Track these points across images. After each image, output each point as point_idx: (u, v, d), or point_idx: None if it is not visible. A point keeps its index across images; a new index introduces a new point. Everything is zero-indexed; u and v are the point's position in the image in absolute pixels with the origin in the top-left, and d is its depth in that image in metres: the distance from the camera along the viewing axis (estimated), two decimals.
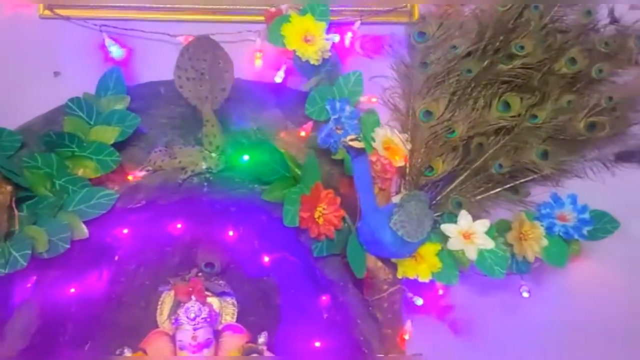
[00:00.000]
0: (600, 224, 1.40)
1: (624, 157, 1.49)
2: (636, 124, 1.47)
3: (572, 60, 1.42)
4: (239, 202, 1.33)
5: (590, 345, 1.50)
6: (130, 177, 1.29)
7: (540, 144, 1.44)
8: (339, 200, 1.31)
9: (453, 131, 1.42)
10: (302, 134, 1.38)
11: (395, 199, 1.38)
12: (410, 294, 1.40)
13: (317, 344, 1.35)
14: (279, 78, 1.39)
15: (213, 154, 1.31)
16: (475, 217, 1.39)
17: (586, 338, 1.50)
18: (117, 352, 1.29)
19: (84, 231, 1.23)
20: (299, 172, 1.32)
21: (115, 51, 1.33)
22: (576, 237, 1.38)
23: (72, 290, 1.28)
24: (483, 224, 1.38)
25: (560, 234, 1.39)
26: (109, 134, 1.27)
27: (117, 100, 1.30)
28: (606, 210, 1.41)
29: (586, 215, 1.38)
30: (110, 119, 1.29)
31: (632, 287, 1.51)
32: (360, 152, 1.24)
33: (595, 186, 1.47)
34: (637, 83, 1.43)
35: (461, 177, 1.45)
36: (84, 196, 1.24)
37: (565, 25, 1.44)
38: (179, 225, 1.36)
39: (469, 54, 1.40)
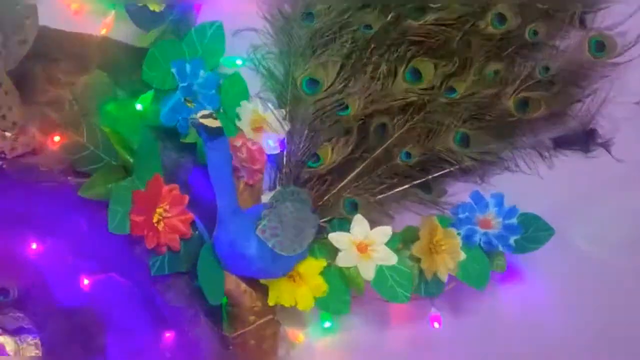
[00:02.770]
0: (531, 232, 1.52)
1: (564, 144, 1.63)
2: (579, 102, 1.61)
3: (500, 18, 1.53)
4: (45, 200, 1.36)
5: None
6: None
7: (460, 127, 1.55)
8: (187, 198, 1.36)
9: (346, 107, 1.50)
10: (138, 107, 1.42)
11: (266, 198, 1.45)
12: (286, 327, 1.49)
13: None
14: (105, 29, 1.43)
15: (7, 133, 1.32)
16: (374, 224, 1.48)
17: None
18: None
19: None
20: (131, 160, 1.36)
21: None
22: (501, 248, 1.50)
23: None
24: (384, 233, 1.47)
25: (482, 244, 1.51)
26: None
27: None
28: (542, 212, 1.53)
29: (514, 221, 1.50)
30: None
31: (571, 311, 1.66)
32: (217, 133, 1.29)
33: (529, 182, 1.61)
34: (581, 49, 1.57)
35: (357, 170, 1.54)
36: None
37: None
38: None
39: (367, 4, 1.49)
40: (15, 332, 1.37)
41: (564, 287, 1.65)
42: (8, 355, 1.35)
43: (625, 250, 1.67)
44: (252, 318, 1.45)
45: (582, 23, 1.59)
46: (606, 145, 1.63)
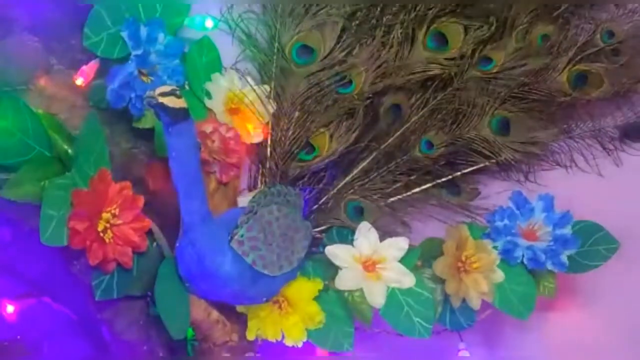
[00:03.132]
0: (589, 245, 1.56)
1: (634, 134, 1.68)
2: None
3: None
4: None
5: None
6: None
7: (497, 109, 1.60)
8: (142, 200, 1.39)
9: (349, 82, 1.54)
10: (79, 81, 1.45)
11: (244, 201, 1.48)
12: None
13: None
14: None
15: None
16: (385, 234, 1.52)
17: None
18: None
19: None
20: (70, 151, 1.40)
21: None
22: (550, 266, 1.54)
23: None
24: (397, 246, 1.51)
25: (525, 261, 1.54)
26: None
27: None
28: (604, 221, 1.58)
29: (567, 230, 1.54)
30: None
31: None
32: (181, 116, 1.32)
33: (588, 182, 1.67)
34: None
35: (363, 164, 1.60)
36: None
37: None
38: None
39: None
40: None
41: (630, 317, 1.70)
42: None
43: None
44: (225, 356, 1.49)
45: None
46: None
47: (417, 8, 1.56)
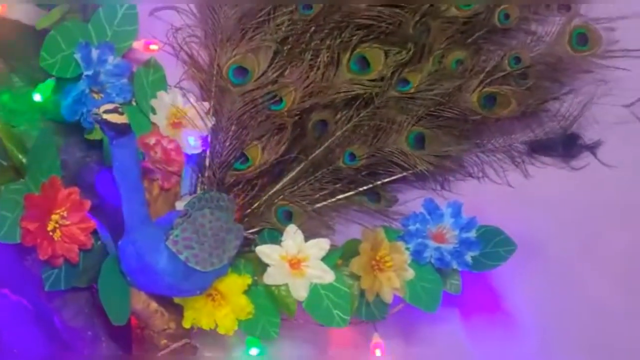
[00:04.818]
0: (490, 247, 1.75)
1: (541, 149, 1.87)
2: (556, 100, 1.86)
3: None
4: None
5: None
6: None
7: (414, 125, 1.78)
8: (88, 204, 1.58)
9: (280, 100, 1.72)
10: (36, 97, 1.63)
11: (181, 205, 1.66)
12: (207, 354, 1.72)
13: None
14: None
15: None
16: (311, 235, 1.70)
17: None
18: None
19: None
20: (25, 160, 1.58)
21: None
22: (455, 266, 1.73)
23: None
24: (320, 246, 1.69)
25: (433, 261, 1.73)
26: None
27: None
28: (514, 226, 1.75)
29: (471, 234, 1.73)
30: None
31: (546, 339, 1.88)
32: (123, 130, 1.49)
33: (498, 192, 1.86)
34: (560, 40, 1.80)
35: (292, 174, 1.77)
36: None
37: None
38: None
39: None
40: None
41: (537, 313, 1.88)
42: None
43: (610, 273, 1.91)
44: (164, 342, 1.68)
45: (567, 7, 1.83)
46: (593, 149, 1.87)
47: (343, 34, 1.73)
